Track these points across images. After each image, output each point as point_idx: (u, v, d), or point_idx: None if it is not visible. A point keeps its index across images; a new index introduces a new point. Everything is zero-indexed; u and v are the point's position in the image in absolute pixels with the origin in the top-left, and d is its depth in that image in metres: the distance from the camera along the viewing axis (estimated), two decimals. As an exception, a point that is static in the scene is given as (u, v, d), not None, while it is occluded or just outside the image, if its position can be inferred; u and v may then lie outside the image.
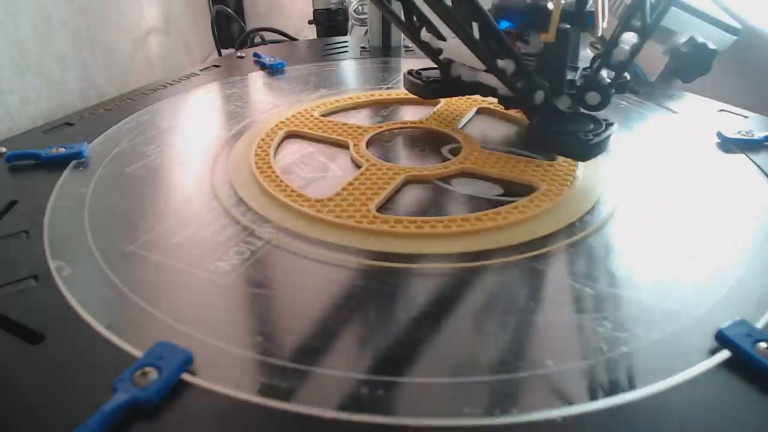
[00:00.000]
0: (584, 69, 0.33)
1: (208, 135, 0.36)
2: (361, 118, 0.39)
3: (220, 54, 0.72)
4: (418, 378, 0.18)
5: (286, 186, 0.29)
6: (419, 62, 0.52)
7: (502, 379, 0.18)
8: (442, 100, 0.40)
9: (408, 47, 0.57)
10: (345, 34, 0.73)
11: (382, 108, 0.41)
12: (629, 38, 0.30)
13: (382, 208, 0.28)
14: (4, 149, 0.33)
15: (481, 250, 0.24)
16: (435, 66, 0.36)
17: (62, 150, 0.32)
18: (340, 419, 0.16)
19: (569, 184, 0.29)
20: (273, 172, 0.30)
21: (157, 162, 0.33)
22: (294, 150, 0.35)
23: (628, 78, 0.33)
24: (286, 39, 0.72)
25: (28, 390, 0.17)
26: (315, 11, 0.73)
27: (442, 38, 0.34)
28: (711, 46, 0.47)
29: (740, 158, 0.33)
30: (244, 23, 0.88)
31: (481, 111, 0.40)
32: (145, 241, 0.25)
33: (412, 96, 0.42)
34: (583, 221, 0.27)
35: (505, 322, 0.21)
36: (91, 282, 0.22)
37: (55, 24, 0.45)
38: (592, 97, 0.31)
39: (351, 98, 0.41)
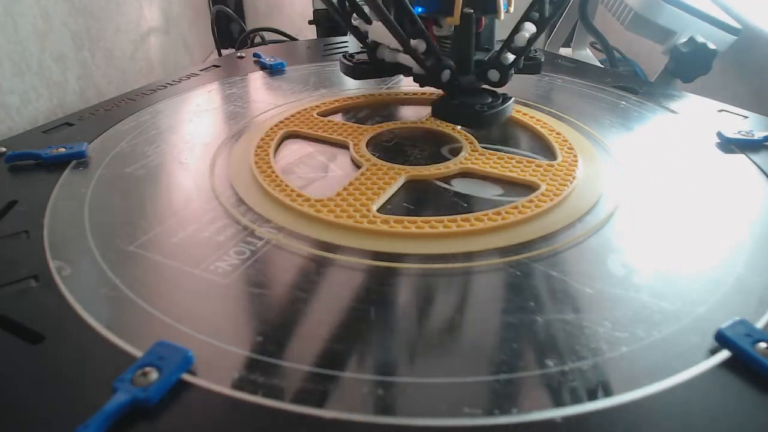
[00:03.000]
0: (495, 51, 0.36)
1: (208, 135, 0.36)
2: (361, 118, 0.39)
3: (220, 54, 0.72)
4: (418, 378, 0.18)
5: (286, 186, 0.29)
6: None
7: (502, 379, 0.18)
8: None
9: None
10: (345, 34, 0.73)
11: (382, 108, 0.41)
12: (530, 27, 0.34)
13: (382, 208, 0.28)
14: (4, 149, 0.33)
15: (481, 250, 0.24)
16: (365, 50, 0.40)
17: (62, 150, 0.32)
18: (340, 419, 0.16)
19: (569, 184, 0.29)
20: (273, 172, 0.30)
21: (157, 162, 0.33)
22: (294, 150, 0.35)
23: (538, 61, 0.40)
24: (286, 39, 0.72)
25: (28, 390, 0.17)
26: (315, 11, 0.73)
27: (369, 22, 0.37)
28: (711, 46, 0.47)
29: (740, 158, 0.33)
30: (244, 23, 0.88)
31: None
32: (145, 241, 0.25)
33: (412, 96, 0.42)
34: (583, 221, 0.27)
35: (505, 322, 0.21)
36: (91, 282, 0.22)
37: (55, 24, 0.45)
38: (493, 74, 0.35)
39: (351, 98, 0.41)
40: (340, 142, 0.35)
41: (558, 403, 0.17)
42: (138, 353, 0.18)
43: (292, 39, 0.71)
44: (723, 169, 0.32)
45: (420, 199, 0.29)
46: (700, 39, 0.48)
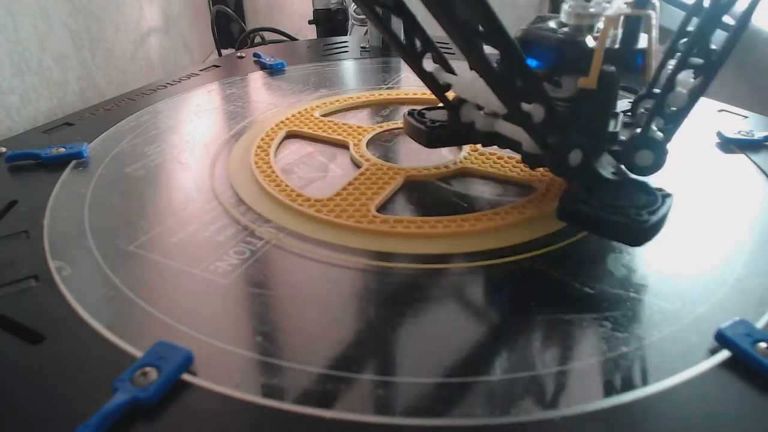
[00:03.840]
0: (625, 114, 0.27)
1: (208, 135, 0.36)
2: (361, 118, 0.39)
3: (220, 54, 0.72)
4: (418, 378, 0.18)
5: (286, 186, 0.29)
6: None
7: (502, 379, 0.18)
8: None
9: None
10: (345, 34, 0.73)
11: (382, 108, 0.41)
12: (687, 79, 0.25)
13: (382, 208, 0.28)
14: (4, 149, 0.33)
15: (481, 250, 0.24)
16: (442, 106, 0.30)
17: (62, 150, 0.32)
18: (340, 419, 0.16)
19: (569, 184, 0.29)
20: (273, 172, 0.30)
21: (157, 162, 0.33)
22: (294, 150, 0.35)
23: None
24: (286, 39, 0.72)
25: (28, 390, 0.17)
26: (315, 11, 0.73)
27: (451, 71, 0.29)
28: (711, 46, 0.47)
29: (740, 158, 0.33)
30: (244, 23, 0.88)
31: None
32: (145, 241, 0.25)
33: (412, 96, 0.42)
34: (583, 221, 0.27)
35: (505, 322, 0.21)
36: (91, 282, 0.22)
37: (55, 24, 0.45)
38: (644, 157, 0.25)
39: (351, 98, 0.41)
40: (340, 142, 0.35)
41: (558, 403, 0.17)
42: (138, 353, 0.18)
43: (292, 39, 0.71)
44: (723, 169, 0.32)
45: (420, 199, 0.29)
46: (700, 39, 0.48)
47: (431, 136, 0.30)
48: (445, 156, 0.33)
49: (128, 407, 0.16)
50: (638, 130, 0.25)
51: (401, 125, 0.37)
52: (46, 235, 0.25)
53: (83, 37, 0.49)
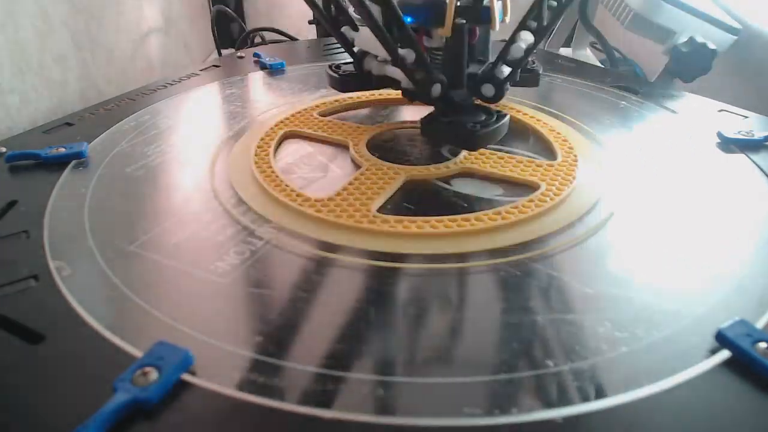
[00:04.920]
0: (490, 63, 0.33)
1: (208, 135, 0.36)
2: (361, 118, 0.39)
3: (220, 54, 0.72)
4: (418, 378, 0.18)
5: (286, 186, 0.29)
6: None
7: (502, 379, 0.18)
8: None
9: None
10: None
11: (382, 108, 0.41)
12: (527, 37, 0.31)
13: (382, 208, 0.28)
14: (4, 149, 0.33)
15: (481, 250, 0.24)
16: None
17: (62, 150, 0.32)
18: (340, 419, 0.16)
19: (569, 184, 0.29)
20: (273, 172, 0.30)
21: (157, 162, 0.33)
22: (294, 150, 0.35)
23: (537, 73, 0.38)
24: (286, 39, 0.72)
25: (28, 390, 0.17)
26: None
27: (356, 29, 0.34)
28: (711, 46, 0.47)
29: (740, 158, 0.33)
30: (244, 23, 0.88)
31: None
32: (145, 241, 0.25)
33: (412, 96, 0.42)
34: (583, 221, 0.27)
35: (506, 322, 0.21)
36: (91, 282, 0.22)
37: (55, 24, 0.45)
38: (487, 89, 0.32)
39: (351, 98, 0.41)
40: (340, 142, 0.35)
41: (558, 403, 0.17)
42: (138, 353, 0.18)
43: (292, 39, 0.71)
44: (723, 169, 0.32)
45: (420, 199, 0.29)
46: (700, 39, 0.48)
47: (343, 82, 0.37)
48: (445, 156, 0.33)
49: (128, 407, 0.16)
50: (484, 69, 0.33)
51: (401, 125, 0.37)
52: (46, 235, 0.25)
53: (83, 37, 0.49)
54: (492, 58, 0.33)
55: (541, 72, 0.38)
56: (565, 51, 0.68)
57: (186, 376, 0.18)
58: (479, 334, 0.20)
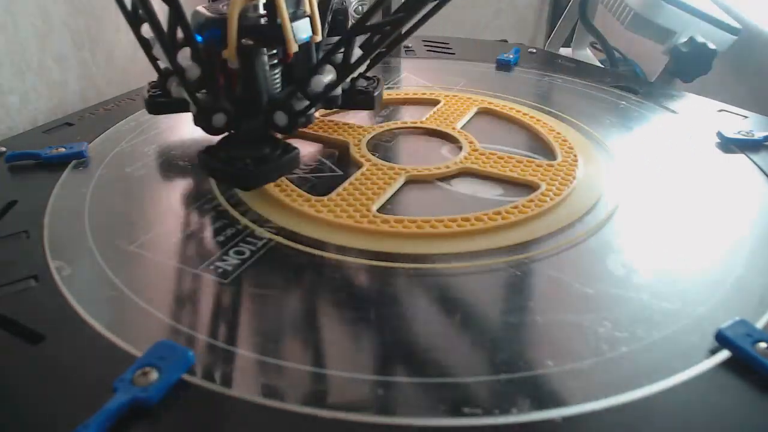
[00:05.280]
0: (288, 89, 0.29)
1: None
2: (361, 118, 0.39)
3: (220, 54, 0.72)
4: (418, 378, 0.18)
5: (286, 186, 0.29)
6: (420, 62, 0.52)
7: (502, 379, 0.18)
8: (442, 100, 0.40)
9: (408, 47, 0.56)
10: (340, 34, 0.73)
11: (382, 108, 0.41)
12: (331, 71, 0.28)
13: (382, 208, 0.28)
14: (4, 149, 0.33)
15: (481, 250, 0.24)
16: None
17: (62, 150, 0.32)
18: (340, 419, 0.16)
19: (569, 184, 0.29)
20: (273, 172, 0.30)
21: (157, 162, 0.33)
22: (294, 150, 0.35)
23: (370, 95, 0.33)
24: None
25: (28, 390, 0.17)
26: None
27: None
28: (711, 46, 0.47)
29: (740, 158, 0.33)
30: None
31: (481, 111, 0.40)
32: (145, 241, 0.25)
33: (412, 96, 0.42)
34: (583, 221, 0.27)
35: (506, 322, 0.21)
36: (91, 282, 0.22)
37: (55, 24, 0.45)
38: (280, 118, 0.28)
39: (351, 98, 0.41)
40: (340, 142, 0.35)
41: (558, 403, 0.17)
42: (138, 353, 0.18)
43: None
44: (723, 169, 0.32)
45: (420, 199, 0.29)
46: (700, 39, 0.48)
47: (152, 104, 0.32)
48: (446, 156, 0.33)
49: (128, 407, 0.16)
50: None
51: (401, 125, 0.37)
52: (46, 235, 0.25)
53: (83, 37, 0.49)
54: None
55: (376, 94, 0.33)
56: (565, 51, 0.68)
57: (186, 376, 0.18)
58: (479, 334, 0.20)
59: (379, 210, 0.27)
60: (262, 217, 0.27)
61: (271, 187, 0.29)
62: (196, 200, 0.29)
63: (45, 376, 0.18)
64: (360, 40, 0.28)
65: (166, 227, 0.26)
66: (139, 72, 0.60)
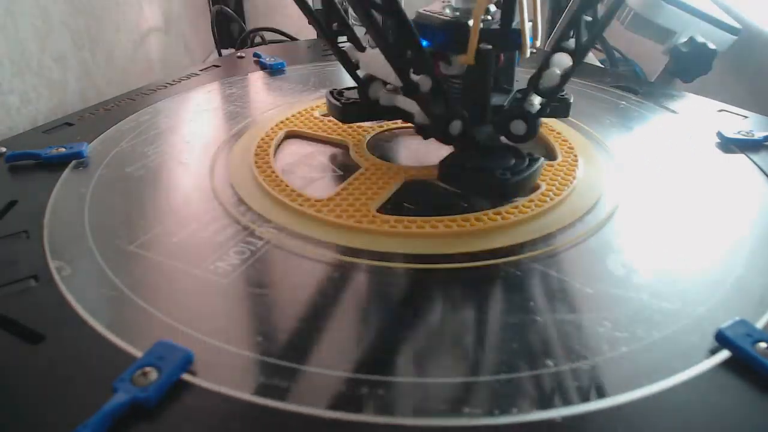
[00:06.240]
0: (517, 92, 0.29)
1: (208, 135, 0.36)
2: (361, 118, 0.39)
3: (220, 54, 0.72)
4: (417, 378, 0.18)
5: (286, 186, 0.29)
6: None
7: (502, 379, 0.18)
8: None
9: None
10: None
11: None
12: (562, 61, 0.27)
13: (382, 208, 0.28)
14: (4, 149, 0.33)
15: (481, 250, 0.24)
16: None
17: (62, 150, 0.32)
18: (340, 419, 0.16)
19: (569, 184, 0.29)
20: (273, 172, 0.30)
21: (157, 162, 0.33)
22: (294, 150, 0.35)
23: (567, 102, 0.31)
24: (286, 39, 0.72)
25: (28, 390, 0.17)
26: (315, 11, 0.73)
27: (362, 49, 0.30)
28: (711, 46, 0.47)
29: (740, 158, 0.33)
30: (244, 23, 0.88)
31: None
32: (145, 241, 0.25)
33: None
34: (583, 221, 0.27)
35: (506, 322, 0.21)
36: (91, 282, 0.22)
37: (55, 24, 0.45)
38: (517, 126, 0.27)
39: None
40: (340, 142, 0.35)
41: (558, 403, 0.17)
42: (138, 353, 0.18)
43: (292, 39, 0.71)
44: (723, 169, 0.32)
45: (420, 199, 0.29)
46: (700, 39, 0.48)
47: (345, 112, 0.32)
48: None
49: (128, 407, 0.16)
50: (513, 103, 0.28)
51: (401, 125, 0.37)
52: (46, 235, 0.25)
53: (83, 37, 0.49)
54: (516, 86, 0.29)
55: (572, 102, 0.32)
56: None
57: (186, 376, 0.18)
58: (479, 333, 0.20)
59: (379, 210, 0.27)
60: (262, 217, 0.27)
61: (271, 187, 0.29)
62: (196, 200, 0.29)
63: (45, 376, 0.18)
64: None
65: (166, 227, 0.26)
66: (139, 72, 0.60)
